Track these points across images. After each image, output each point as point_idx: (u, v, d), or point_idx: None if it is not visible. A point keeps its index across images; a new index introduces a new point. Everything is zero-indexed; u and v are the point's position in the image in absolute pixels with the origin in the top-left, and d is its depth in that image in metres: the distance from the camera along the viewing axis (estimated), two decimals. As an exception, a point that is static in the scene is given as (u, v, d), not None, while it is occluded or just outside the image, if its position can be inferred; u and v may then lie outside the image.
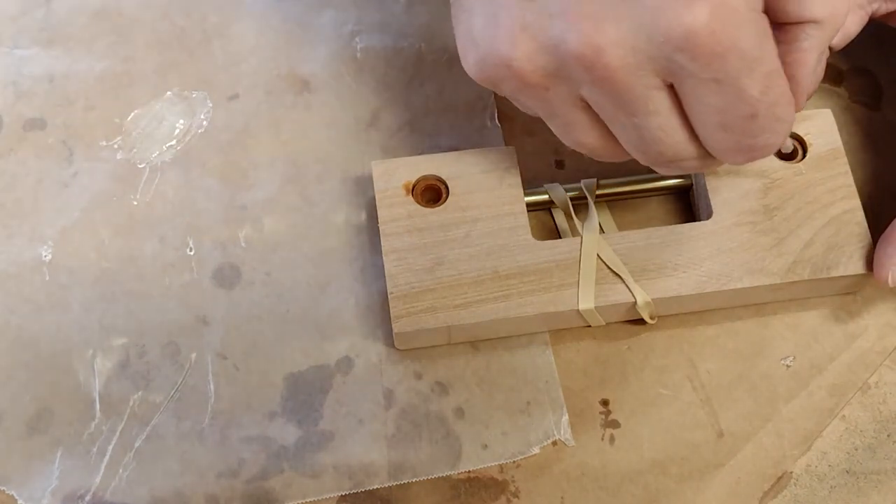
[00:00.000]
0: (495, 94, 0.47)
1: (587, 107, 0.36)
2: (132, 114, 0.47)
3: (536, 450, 0.41)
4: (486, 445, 0.41)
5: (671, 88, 0.34)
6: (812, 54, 0.37)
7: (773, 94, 0.34)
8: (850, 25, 0.42)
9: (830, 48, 0.43)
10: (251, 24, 0.49)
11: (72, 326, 0.43)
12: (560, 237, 0.44)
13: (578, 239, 0.42)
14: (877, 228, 0.42)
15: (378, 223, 0.42)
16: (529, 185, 0.44)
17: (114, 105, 0.47)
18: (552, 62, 0.34)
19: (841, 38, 0.42)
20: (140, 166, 0.46)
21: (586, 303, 0.41)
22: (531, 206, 0.44)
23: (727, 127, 0.35)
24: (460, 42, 0.37)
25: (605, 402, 0.42)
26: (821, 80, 0.42)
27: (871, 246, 0.42)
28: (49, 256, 0.44)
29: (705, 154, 0.37)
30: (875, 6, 0.42)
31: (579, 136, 0.37)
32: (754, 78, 0.33)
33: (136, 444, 0.41)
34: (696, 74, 0.33)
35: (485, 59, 0.35)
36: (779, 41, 0.36)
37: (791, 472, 0.41)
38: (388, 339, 0.43)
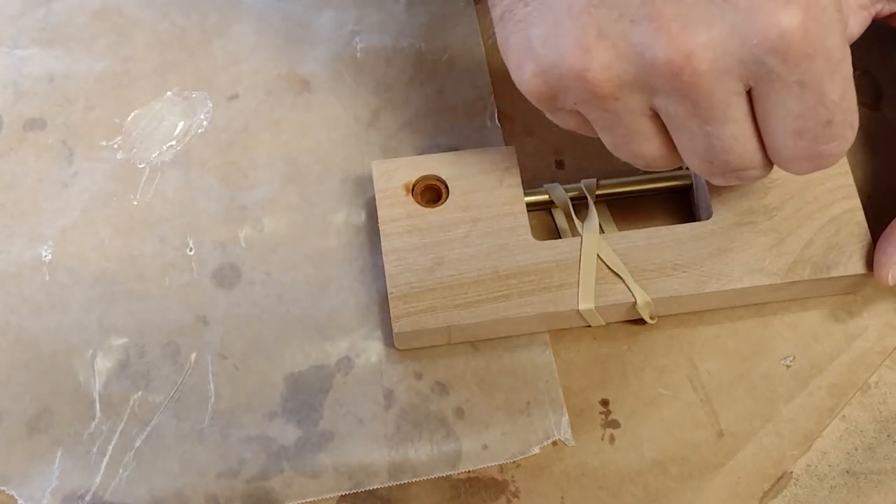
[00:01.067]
0: (495, 94, 0.47)
1: (655, 116, 0.35)
2: (132, 114, 0.47)
3: (536, 450, 0.41)
4: (486, 445, 0.41)
5: (748, 94, 0.34)
6: None
7: (848, 100, 0.34)
8: (853, 26, 0.42)
9: None
10: (251, 23, 0.49)
11: (72, 326, 0.43)
12: (560, 237, 0.44)
13: (578, 239, 0.42)
14: (877, 228, 0.42)
15: (378, 223, 0.42)
16: (529, 185, 0.44)
17: (114, 105, 0.47)
18: (631, 70, 0.33)
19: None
20: (140, 166, 0.46)
21: (586, 303, 0.41)
22: (531, 206, 0.44)
23: (802, 133, 0.34)
24: (513, 54, 0.35)
25: (605, 402, 0.42)
26: None
27: (870, 246, 0.42)
28: (49, 256, 0.44)
29: (768, 163, 0.36)
30: (878, 7, 0.42)
31: (639, 146, 0.36)
32: (836, 81, 0.33)
33: (136, 444, 0.41)
34: (782, 77, 0.32)
35: (548, 71, 0.34)
36: None
37: (791, 472, 0.41)
38: (388, 339, 0.43)
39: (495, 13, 0.36)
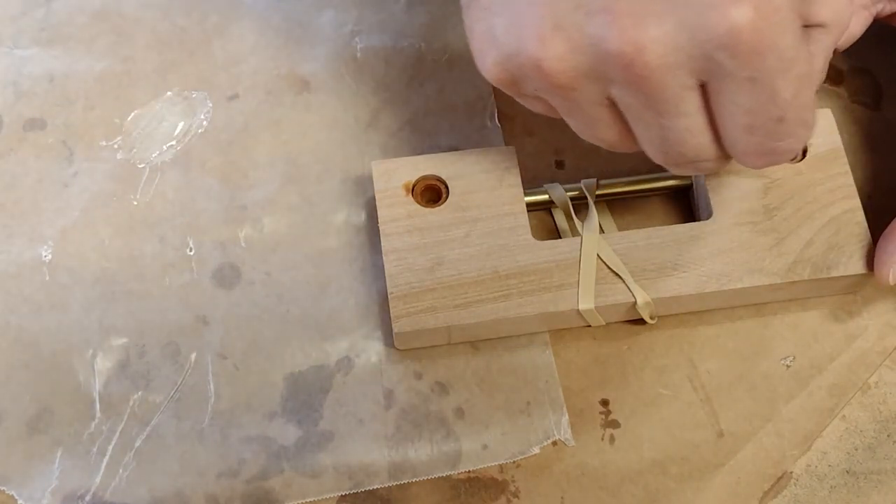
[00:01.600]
0: (495, 94, 0.47)
1: (612, 105, 0.36)
2: (132, 114, 0.47)
3: (536, 450, 0.41)
4: (486, 445, 0.41)
5: (702, 89, 0.34)
6: (818, 58, 0.37)
7: (802, 98, 0.34)
8: (855, 26, 0.42)
9: (835, 50, 0.43)
10: (251, 23, 0.49)
11: (72, 326, 0.43)
12: (560, 237, 0.44)
13: (578, 239, 0.42)
14: (877, 228, 0.42)
15: (378, 223, 0.42)
16: (529, 185, 0.44)
17: (114, 105, 0.47)
18: (586, 62, 0.34)
19: (845, 39, 0.42)
20: (140, 166, 0.46)
21: (586, 303, 0.41)
22: (531, 206, 0.44)
23: (754, 129, 0.34)
24: (477, 42, 0.36)
25: (605, 402, 0.42)
26: (823, 80, 0.42)
27: (871, 246, 0.42)
28: (49, 256, 0.44)
29: (724, 156, 0.36)
30: (879, 6, 0.42)
31: (600, 132, 0.37)
32: (788, 79, 0.33)
33: (136, 444, 0.41)
34: (733, 73, 0.33)
35: (509, 59, 0.35)
36: None
37: (791, 472, 0.41)
38: (388, 339, 0.43)
39: (463, 0, 0.37)
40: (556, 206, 0.45)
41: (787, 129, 0.35)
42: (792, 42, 0.33)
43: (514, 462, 0.41)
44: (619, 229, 0.45)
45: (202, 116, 0.47)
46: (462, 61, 0.48)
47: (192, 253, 0.44)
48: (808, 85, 0.34)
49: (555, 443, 0.41)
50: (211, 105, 0.47)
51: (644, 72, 0.33)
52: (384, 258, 0.41)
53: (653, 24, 0.32)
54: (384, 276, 0.42)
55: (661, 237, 0.42)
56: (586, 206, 0.44)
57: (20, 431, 0.41)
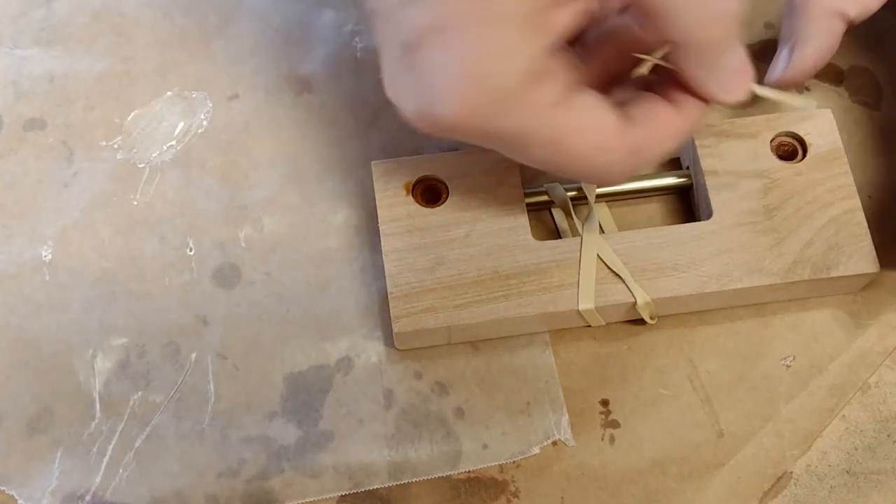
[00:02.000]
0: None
1: None
2: (132, 114, 0.47)
3: (536, 450, 0.41)
4: (486, 445, 0.41)
5: None
6: (689, 75, 0.35)
7: (577, 151, 0.34)
8: (872, 1, 0.41)
9: (851, 21, 0.41)
10: (251, 24, 0.49)
11: (72, 326, 0.43)
12: (560, 237, 0.44)
13: (578, 239, 0.42)
14: (877, 228, 0.42)
15: (378, 223, 0.42)
16: (529, 185, 0.44)
17: (114, 105, 0.47)
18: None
19: (861, 11, 0.41)
20: (140, 166, 0.46)
21: (586, 303, 0.41)
22: (531, 206, 0.44)
23: (558, 172, 0.36)
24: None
25: (605, 402, 0.42)
26: (811, 76, 0.42)
27: (871, 246, 0.42)
28: (49, 256, 0.44)
29: None
30: None
31: None
32: (541, 146, 0.34)
33: (136, 444, 0.41)
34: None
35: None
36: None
37: (791, 472, 0.41)
38: (388, 339, 0.43)
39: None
40: (556, 206, 0.45)
41: (586, 174, 0.36)
42: (526, 116, 0.33)
43: (514, 462, 0.41)
44: (619, 229, 0.45)
45: (202, 116, 0.47)
46: (462, 61, 0.48)
47: (192, 253, 0.44)
48: (582, 138, 0.34)
49: (555, 443, 0.41)
50: (211, 105, 0.47)
51: (432, 132, 0.34)
52: (384, 258, 0.41)
53: (406, 101, 0.34)
54: (384, 276, 0.42)
55: (661, 237, 0.42)
56: (586, 206, 0.44)
57: (20, 431, 0.41)
